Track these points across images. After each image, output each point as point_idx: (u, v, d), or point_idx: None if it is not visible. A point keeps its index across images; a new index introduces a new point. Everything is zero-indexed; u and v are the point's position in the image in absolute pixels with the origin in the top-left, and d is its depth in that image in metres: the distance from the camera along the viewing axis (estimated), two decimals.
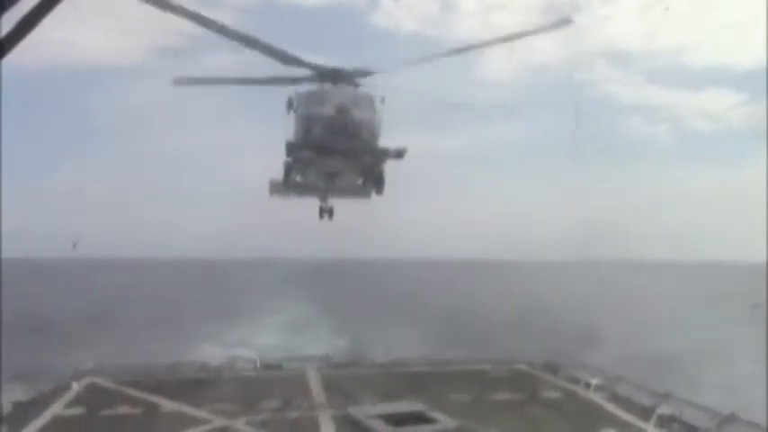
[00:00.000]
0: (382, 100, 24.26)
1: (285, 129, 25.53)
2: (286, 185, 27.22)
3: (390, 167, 26.18)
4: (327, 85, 24.57)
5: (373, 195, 27.48)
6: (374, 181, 25.98)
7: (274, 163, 26.98)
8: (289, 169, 26.16)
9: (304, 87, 25.63)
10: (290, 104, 25.24)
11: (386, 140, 26.00)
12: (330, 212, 29.22)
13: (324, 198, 28.87)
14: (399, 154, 24.53)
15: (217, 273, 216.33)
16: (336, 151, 23.87)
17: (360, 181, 26.68)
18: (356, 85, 24.81)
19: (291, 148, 24.92)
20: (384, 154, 24.61)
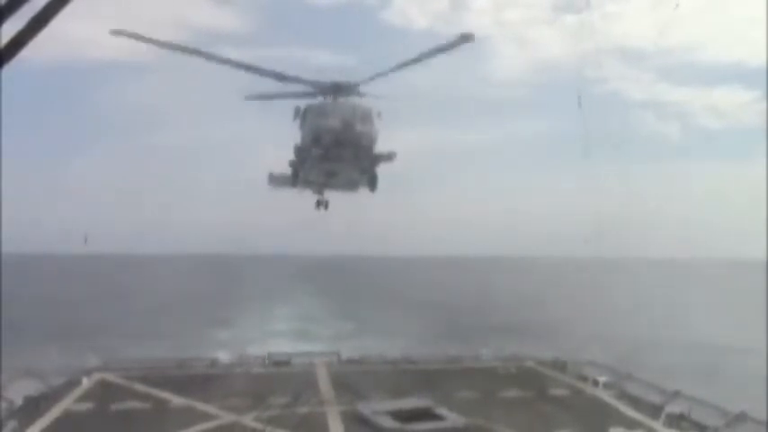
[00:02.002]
0: (379, 114, 28.03)
1: (288, 128, 29.31)
2: (293, 181, 31.02)
3: (398, 167, 29.04)
4: (332, 99, 28.11)
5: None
6: (369, 180, 29.90)
7: (277, 159, 31.25)
8: (296, 168, 30.14)
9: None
10: (296, 113, 28.96)
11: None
12: (326, 205, 32.47)
13: (320, 192, 31.99)
14: (390, 157, 28.85)
15: (224, 268, 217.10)
16: (340, 157, 27.98)
17: (355, 179, 30.19)
18: (358, 95, 28.32)
19: (299, 152, 29.19)
20: (378, 158, 28.70)
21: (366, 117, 27.90)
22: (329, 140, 27.48)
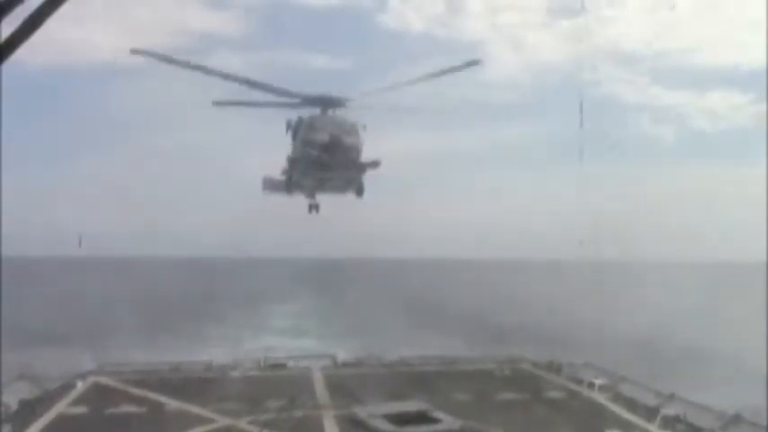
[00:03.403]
0: (364, 127, 30.81)
1: (281, 135, 32.09)
2: (287, 188, 33.59)
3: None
4: (322, 115, 31.06)
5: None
6: (356, 187, 32.49)
7: (275, 164, 33.31)
8: (289, 177, 32.89)
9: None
10: (288, 126, 31.80)
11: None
12: (317, 208, 34.44)
13: (312, 196, 34.06)
14: (375, 165, 31.32)
15: (223, 271, 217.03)
16: (329, 166, 30.78)
17: (343, 185, 32.82)
18: (345, 107, 31.15)
19: (292, 162, 31.99)
20: (364, 167, 31.32)
21: (352, 130, 30.75)
22: (319, 151, 30.36)
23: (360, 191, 32.59)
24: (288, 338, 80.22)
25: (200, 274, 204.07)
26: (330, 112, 31.07)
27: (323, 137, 30.22)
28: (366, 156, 31.35)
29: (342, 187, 32.66)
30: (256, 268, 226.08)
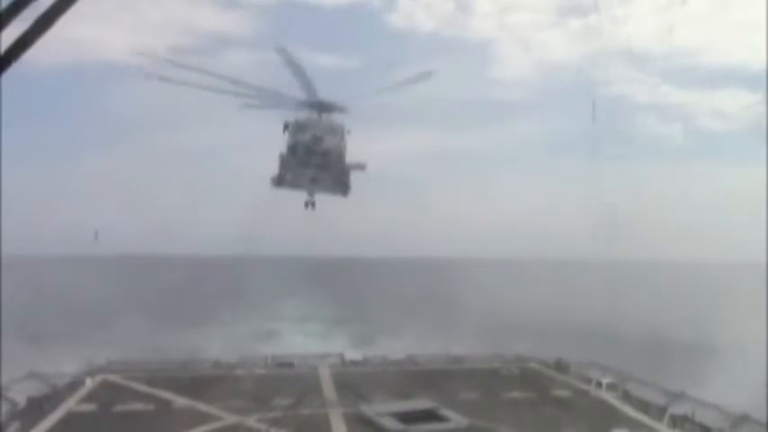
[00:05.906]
0: (348, 131, 34.18)
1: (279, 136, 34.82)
2: (278, 182, 35.85)
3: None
4: (310, 117, 33.97)
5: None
6: (341, 186, 34.93)
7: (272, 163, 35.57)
8: (281, 173, 35.30)
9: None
10: (285, 127, 34.55)
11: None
12: (313, 205, 35.89)
13: (310, 193, 35.69)
14: (361, 167, 34.73)
15: (229, 270, 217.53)
16: (311, 165, 33.88)
17: (329, 184, 35.01)
18: (341, 112, 33.88)
19: (283, 160, 34.84)
20: (348, 168, 34.45)
21: (335, 133, 33.92)
22: (302, 151, 33.75)
23: (345, 190, 34.97)
24: (297, 325, 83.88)
25: (212, 272, 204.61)
26: (324, 116, 33.92)
27: (306, 137, 33.70)
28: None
29: (330, 186, 34.93)
30: (265, 266, 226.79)
